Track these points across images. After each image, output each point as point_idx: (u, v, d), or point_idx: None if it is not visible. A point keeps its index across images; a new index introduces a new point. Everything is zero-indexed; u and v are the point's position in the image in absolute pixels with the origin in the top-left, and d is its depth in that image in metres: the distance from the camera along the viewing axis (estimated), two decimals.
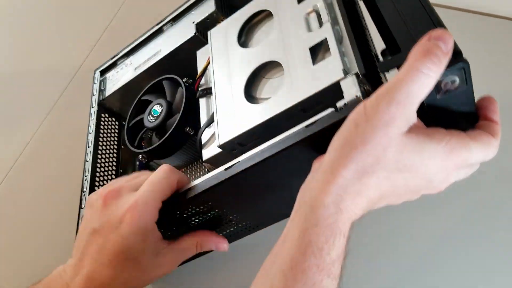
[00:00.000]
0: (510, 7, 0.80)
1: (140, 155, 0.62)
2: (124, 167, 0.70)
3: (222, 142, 0.49)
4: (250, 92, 0.50)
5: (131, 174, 0.50)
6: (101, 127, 0.70)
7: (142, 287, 0.44)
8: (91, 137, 0.67)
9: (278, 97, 0.46)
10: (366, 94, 0.40)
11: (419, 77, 0.32)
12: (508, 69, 0.68)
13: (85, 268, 0.42)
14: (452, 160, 0.35)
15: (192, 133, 0.58)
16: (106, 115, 0.73)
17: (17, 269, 0.64)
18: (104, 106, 0.73)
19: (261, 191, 0.49)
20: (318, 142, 0.40)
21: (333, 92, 0.42)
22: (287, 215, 0.38)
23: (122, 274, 0.41)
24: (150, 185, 0.43)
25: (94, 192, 0.47)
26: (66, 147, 0.76)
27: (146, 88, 0.66)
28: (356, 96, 0.40)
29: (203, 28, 0.65)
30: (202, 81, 0.59)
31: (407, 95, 0.33)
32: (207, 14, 0.64)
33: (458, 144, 0.35)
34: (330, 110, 0.41)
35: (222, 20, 0.61)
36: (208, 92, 0.56)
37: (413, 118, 0.34)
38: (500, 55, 0.77)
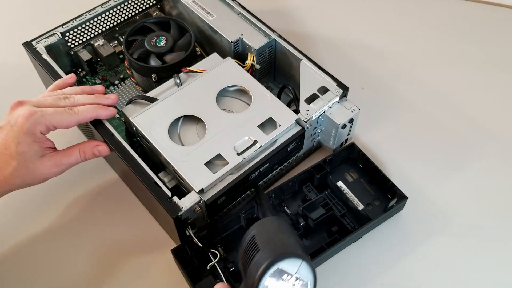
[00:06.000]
0: None
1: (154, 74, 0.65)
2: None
3: None
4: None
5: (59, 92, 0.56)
6: None
7: (27, 184, 0.53)
8: None
9: None
10: None
11: None
12: None
13: None
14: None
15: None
16: None
17: None
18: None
19: None
20: None
21: None
22: None
23: (6, 168, 0.50)
24: (51, 112, 0.52)
25: None
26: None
27: (153, 20, 0.70)
28: None
29: None
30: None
31: None
32: None
33: None
34: None
35: None
36: None
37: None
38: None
